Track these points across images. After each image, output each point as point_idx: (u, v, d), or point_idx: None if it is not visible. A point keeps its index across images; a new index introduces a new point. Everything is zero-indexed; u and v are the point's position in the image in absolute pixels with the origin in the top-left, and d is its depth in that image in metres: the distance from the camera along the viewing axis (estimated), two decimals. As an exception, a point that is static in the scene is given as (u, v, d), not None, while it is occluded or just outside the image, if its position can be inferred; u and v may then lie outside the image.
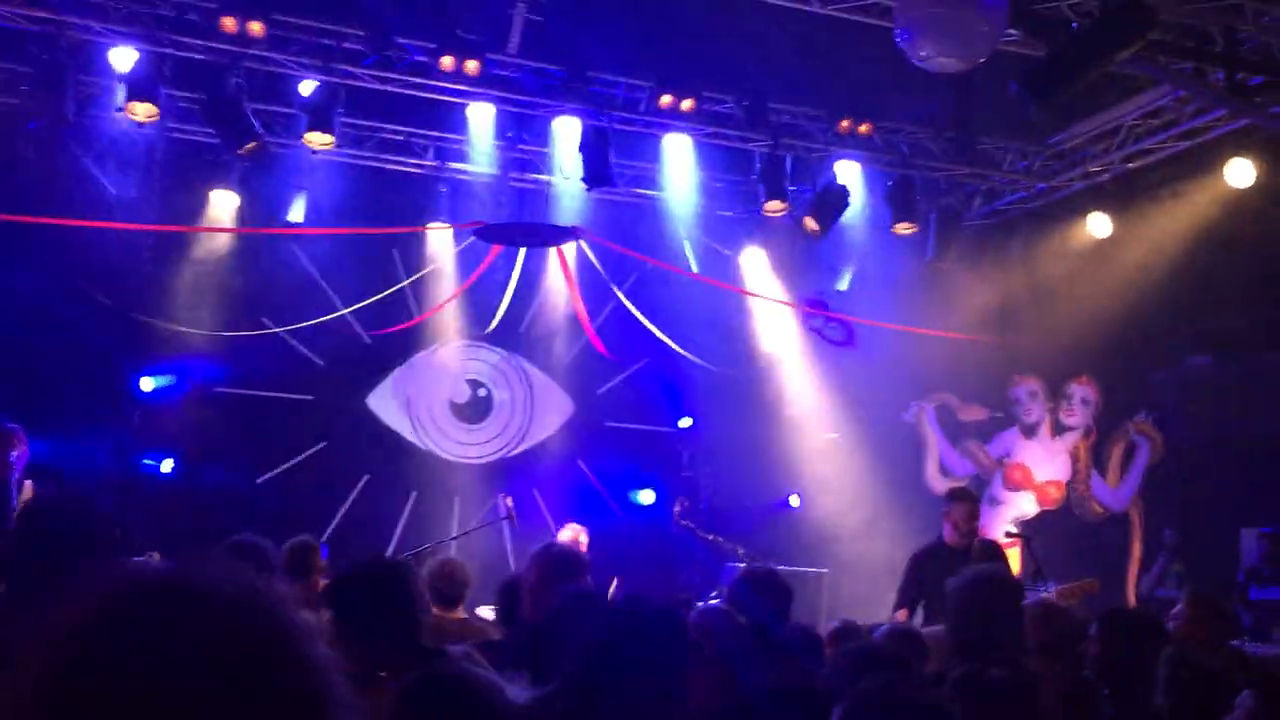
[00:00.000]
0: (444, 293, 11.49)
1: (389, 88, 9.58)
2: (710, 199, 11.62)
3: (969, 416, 12.10)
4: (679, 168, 10.86)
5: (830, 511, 11.96)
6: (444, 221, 11.08)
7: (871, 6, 8.15)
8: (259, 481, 10.83)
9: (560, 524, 9.01)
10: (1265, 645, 7.41)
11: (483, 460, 11.94)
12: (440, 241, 11.37)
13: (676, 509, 10.10)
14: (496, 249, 11.17)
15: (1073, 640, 4.16)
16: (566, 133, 10.12)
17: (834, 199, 10.50)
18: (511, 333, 11.89)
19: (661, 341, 11.51)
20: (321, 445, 11.18)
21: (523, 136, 10.62)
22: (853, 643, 4.23)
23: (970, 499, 7.58)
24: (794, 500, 12.11)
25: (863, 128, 10.28)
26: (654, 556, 10.79)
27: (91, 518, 3.23)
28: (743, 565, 7.97)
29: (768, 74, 9.77)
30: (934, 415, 12.20)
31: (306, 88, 9.39)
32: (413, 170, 11.07)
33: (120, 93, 8.88)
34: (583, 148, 9.87)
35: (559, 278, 11.49)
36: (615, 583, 7.96)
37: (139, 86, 8.78)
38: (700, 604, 6.58)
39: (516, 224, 10.98)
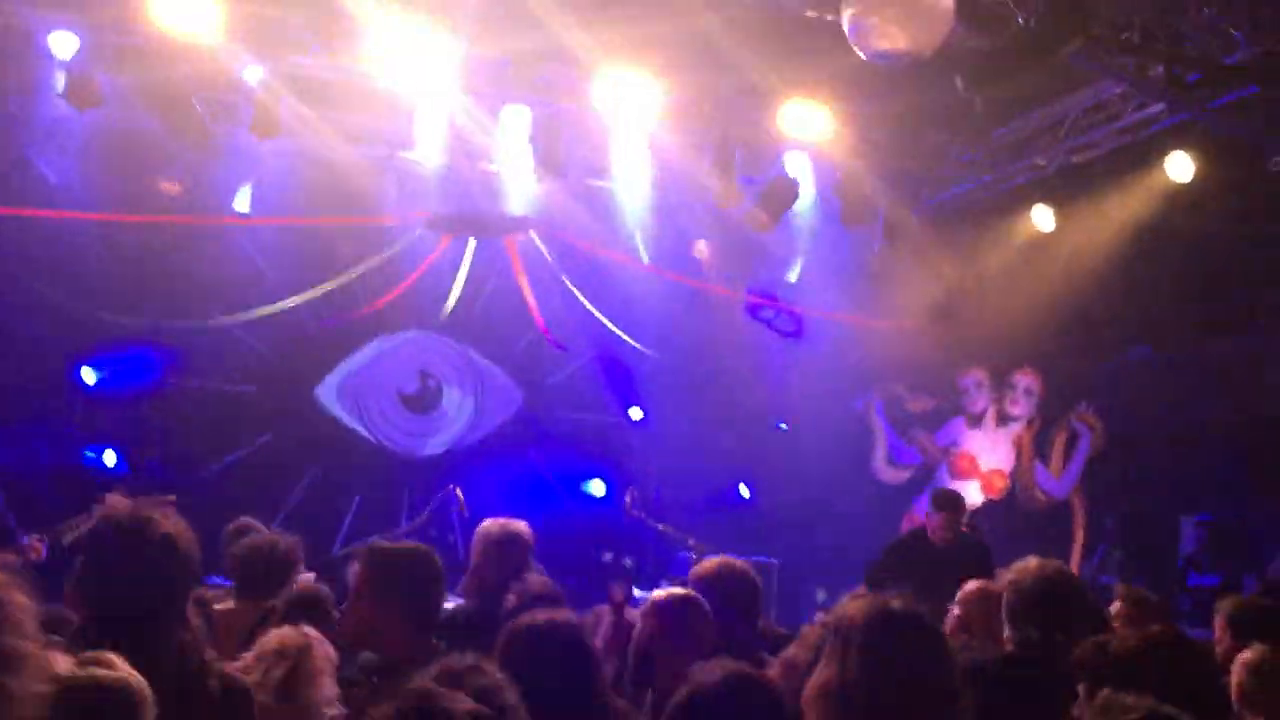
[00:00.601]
0: (393, 283, 11.41)
1: (338, 76, 9.48)
2: (661, 189, 11.63)
3: (916, 406, 12.23)
4: (630, 158, 10.86)
5: (779, 501, 12.05)
6: (393, 210, 11.00)
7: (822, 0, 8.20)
8: (204, 474, 10.71)
9: (511, 516, 8.98)
10: (1203, 630, 7.56)
11: (432, 451, 11.89)
12: (389, 231, 11.28)
13: (627, 499, 10.13)
14: (446, 239, 11.12)
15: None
16: (517, 121, 10.08)
17: (784, 191, 10.56)
18: (461, 323, 11.83)
19: (612, 332, 11.52)
20: (267, 437, 11.08)
21: (473, 125, 10.55)
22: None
23: (947, 508, 7.66)
24: (743, 490, 12.19)
25: (812, 120, 10.31)
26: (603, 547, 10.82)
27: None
28: (696, 556, 8.00)
29: (718, 65, 9.78)
30: (881, 405, 12.32)
31: (252, 75, 9.27)
32: (362, 159, 10.96)
33: (60, 79, 8.71)
34: (534, 137, 9.85)
35: (509, 268, 11.45)
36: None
37: (80, 73, 8.62)
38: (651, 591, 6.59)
39: (466, 213, 10.93)
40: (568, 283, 11.40)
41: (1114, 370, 11.22)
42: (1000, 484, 11.76)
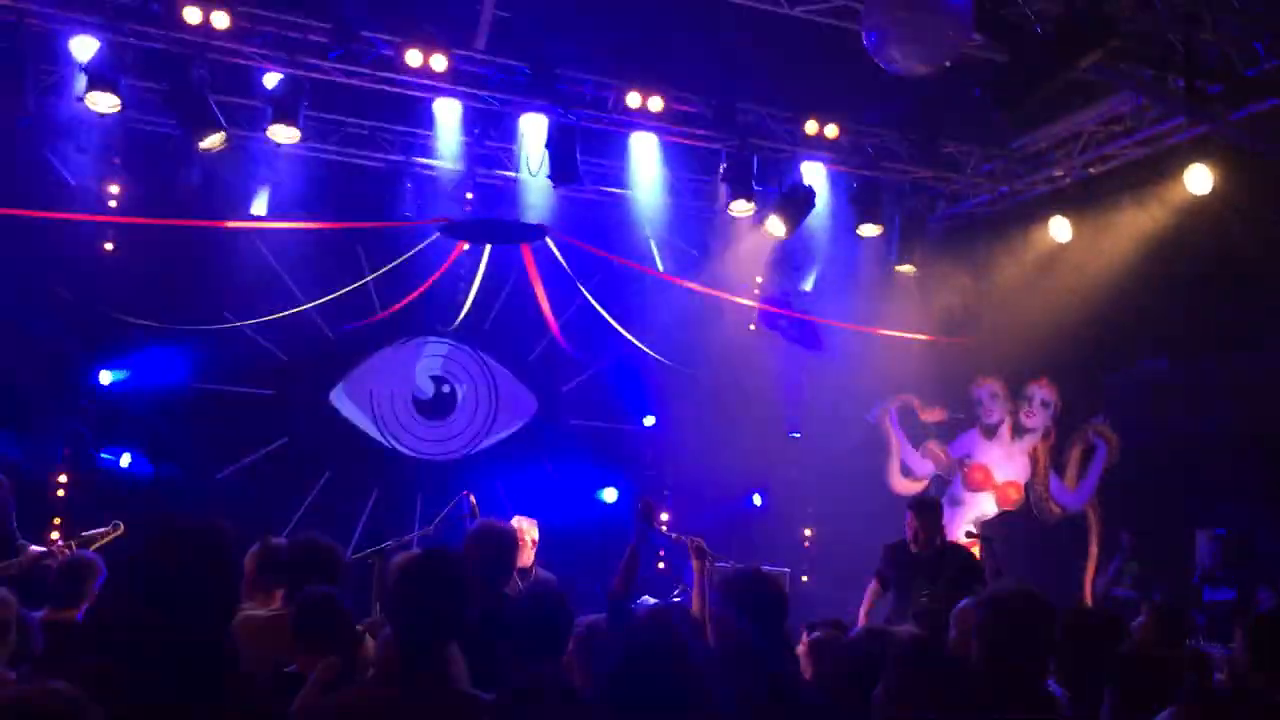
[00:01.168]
0: (408, 288, 11.43)
1: (354, 81, 9.52)
2: (677, 198, 11.64)
3: (930, 417, 12.19)
4: (646, 166, 10.89)
5: (792, 511, 12.02)
6: (409, 217, 11.03)
7: (839, 9, 8.21)
8: (219, 477, 10.74)
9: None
10: (1219, 646, 7.51)
11: (446, 457, 11.90)
12: (405, 237, 11.30)
13: (639, 507, 10.09)
14: (461, 245, 11.14)
15: None
16: (533, 129, 10.11)
17: (800, 200, 10.56)
18: (476, 329, 11.85)
19: (626, 340, 11.52)
20: (282, 441, 11.10)
21: (489, 133, 10.59)
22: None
23: (922, 509, 7.70)
24: (756, 499, 12.17)
25: (829, 129, 10.34)
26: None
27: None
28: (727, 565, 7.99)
29: (735, 74, 9.81)
30: (896, 416, 12.29)
31: (271, 80, 9.31)
32: (378, 165, 11.01)
33: (81, 82, 8.76)
34: (549, 145, 9.87)
35: (524, 275, 11.47)
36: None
37: (100, 76, 8.67)
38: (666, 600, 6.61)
39: (482, 220, 10.96)
40: (583, 290, 11.41)
41: (1130, 382, 11.17)
42: (1015, 496, 11.70)
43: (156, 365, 10.52)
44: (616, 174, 11.21)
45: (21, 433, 9.35)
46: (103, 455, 10.16)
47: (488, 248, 11.22)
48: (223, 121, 9.18)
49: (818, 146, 10.58)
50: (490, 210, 11.08)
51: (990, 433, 11.96)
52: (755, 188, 10.44)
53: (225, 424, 10.82)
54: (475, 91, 9.72)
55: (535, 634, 3.85)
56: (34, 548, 6.55)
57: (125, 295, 10.29)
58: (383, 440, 11.70)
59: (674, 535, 9.74)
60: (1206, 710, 3.44)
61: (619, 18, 9.03)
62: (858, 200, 10.77)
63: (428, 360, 12.03)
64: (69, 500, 9.93)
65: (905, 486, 11.91)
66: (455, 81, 9.50)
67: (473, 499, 8.83)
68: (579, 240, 11.29)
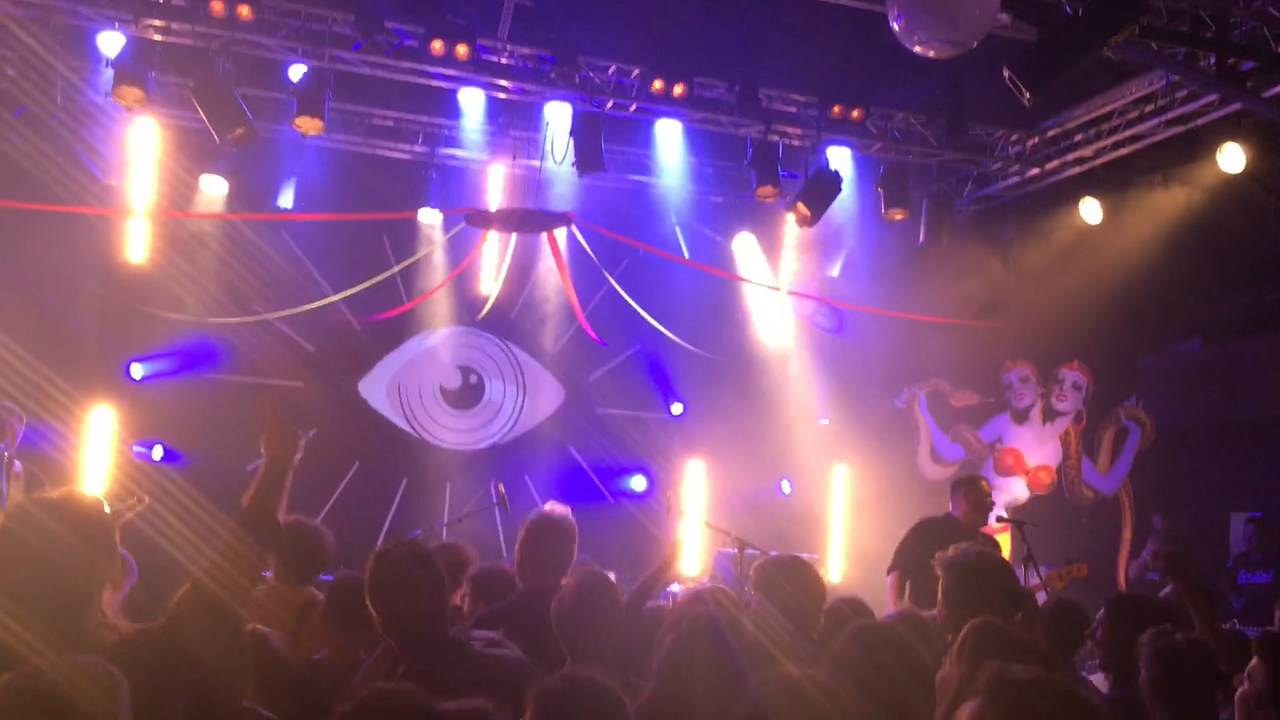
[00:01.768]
0: (435, 279, 11.45)
1: (379, 72, 9.54)
2: (702, 185, 11.60)
3: (961, 402, 12.11)
4: (671, 153, 10.86)
5: (821, 498, 11.98)
6: (434, 207, 11.04)
7: (864, -9, 8.13)
8: (249, 469, 10.78)
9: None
10: (1255, 629, 7.44)
11: (474, 447, 11.92)
12: (431, 227, 11.32)
13: (668, 495, 10.09)
14: (487, 234, 11.15)
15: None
16: (558, 118, 10.09)
17: (826, 185, 10.48)
18: (503, 319, 11.86)
19: (653, 327, 11.50)
20: (312, 432, 11.12)
21: (514, 122, 10.58)
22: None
23: (964, 487, 7.57)
24: (786, 486, 12.13)
25: (855, 113, 10.26)
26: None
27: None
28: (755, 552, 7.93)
29: (760, 59, 9.75)
30: (925, 401, 12.22)
31: (296, 72, 9.34)
32: (403, 155, 11.03)
33: (108, 77, 8.81)
34: (574, 133, 9.85)
35: (550, 264, 11.46)
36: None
37: (127, 71, 8.72)
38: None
39: (507, 209, 10.95)
40: (609, 278, 11.39)
41: (1163, 365, 11.06)
42: (1047, 480, 11.62)
43: (187, 358, 10.59)
44: (642, 161, 11.17)
45: (54, 426, 9.41)
46: (135, 448, 10.23)
47: (514, 237, 11.22)
48: (249, 114, 9.21)
49: (843, 131, 10.51)
50: (515, 200, 11.06)
51: (1021, 417, 11.87)
52: (781, 173, 10.38)
53: (257, 415, 10.85)
54: (499, 81, 9.70)
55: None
56: None
57: (155, 289, 10.36)
58: (411, 430, 11.73)
59: (705, 523, 9.74)
60: None
61: (641, 3, 8.99)
62: (885, 184, 10.69)
63: (455, 350, 12.05)
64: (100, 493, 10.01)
65: (935, 471, 11.84)
66: (479, 71, 9.48)
67: (501, 489, 8.86)
68: (605, 228, 11.27)
